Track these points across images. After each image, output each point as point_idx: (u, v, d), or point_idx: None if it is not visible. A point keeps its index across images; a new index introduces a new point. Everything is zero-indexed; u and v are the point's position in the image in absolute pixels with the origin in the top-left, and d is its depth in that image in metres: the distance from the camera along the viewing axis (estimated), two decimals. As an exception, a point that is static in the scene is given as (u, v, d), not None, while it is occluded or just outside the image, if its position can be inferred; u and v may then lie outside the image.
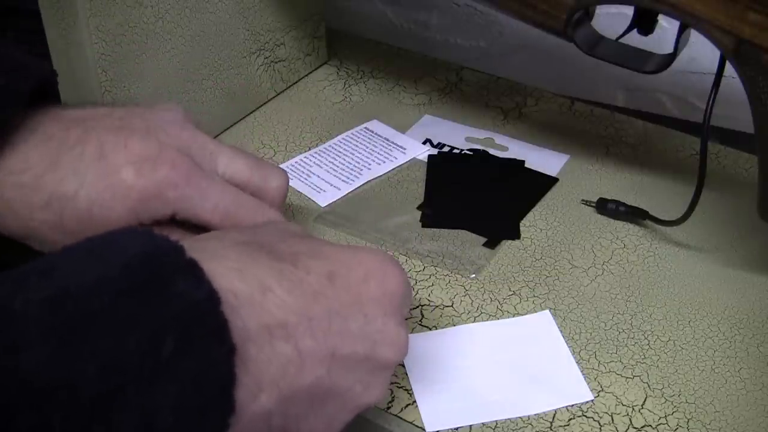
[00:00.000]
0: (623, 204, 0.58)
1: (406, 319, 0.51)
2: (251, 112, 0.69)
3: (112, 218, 0.44)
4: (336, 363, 0.37)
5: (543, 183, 0.62)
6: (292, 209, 0.60)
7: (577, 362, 0.49)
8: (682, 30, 0.51)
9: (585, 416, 0.46)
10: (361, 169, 0.63)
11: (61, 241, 0.44)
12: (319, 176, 0.62)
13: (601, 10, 0.54)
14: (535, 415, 0.46)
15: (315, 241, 0.40)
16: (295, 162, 0.64)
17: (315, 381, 0.36)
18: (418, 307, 0.52)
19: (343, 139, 0.66)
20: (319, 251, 0.39)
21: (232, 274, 0.35)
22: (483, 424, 0.46)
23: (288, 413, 0.36)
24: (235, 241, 0.37)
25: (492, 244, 0.57)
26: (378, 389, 0.39)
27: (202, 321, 0.32)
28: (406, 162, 0.64)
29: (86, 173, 0.44)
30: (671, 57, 0.52)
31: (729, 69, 0.49)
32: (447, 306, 0.52)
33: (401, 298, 0.40)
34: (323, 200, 0.60)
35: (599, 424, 0.46)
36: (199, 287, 0.32)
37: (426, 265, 0.55)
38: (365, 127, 0.68)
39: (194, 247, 0.35)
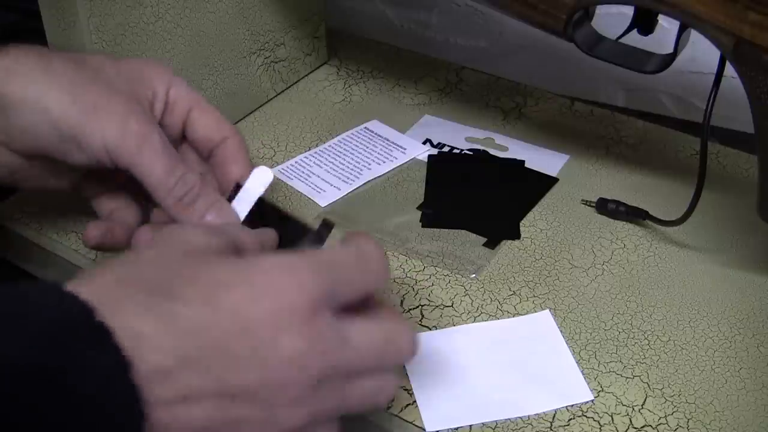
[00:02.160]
0: (623, 204, 0.58)
1: (407, 320, 0.51)
2: (251, 112, 0.69)
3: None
4: (227, 396, 0.34)
5: (543, 183, 0.62)
6: (292, 209, 0.60)
7: (577, 362, 0.49)
8: (682, 30, 0.51)
9: (585, 416, 0.46)
10: (361, 169, 0.63)
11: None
12: (319, 176, 0.62)
13: (601, 10, 0.54)
14: (535, 415, 0.46)
15: (202, 261, 0.36)
16: (295, 162, 0.64)
17: (207, 419, 0.34)
18: (418, 307, 0.52)
19: (343, 139, 0.66)
20: (202, 275, 0.35)
21: (107, 320, 0.33)
22: (483, 424, 0.46)
23: None
24: (115, 279, 0.34)
25: (492, 244, 0.57)
26: (300, 410, 0.35)
27: (110, 390, 0.31)
28: (406, 162, 0.64)
29: None
30: (671, 57, 0.52)
31: (729, 69, 0.49)
32: (447, 306, 0.52)
33: (306, 308, 0.35)
34: (323, 200, 0.60)
35: (599, 424, 0.46)
36: (107, 355, 0.31)
37: (426, 265, 0.55)
38: (365, 127, 0.68)
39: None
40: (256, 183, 0.48)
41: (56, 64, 0.45)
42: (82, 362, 0.31)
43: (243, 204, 0.47)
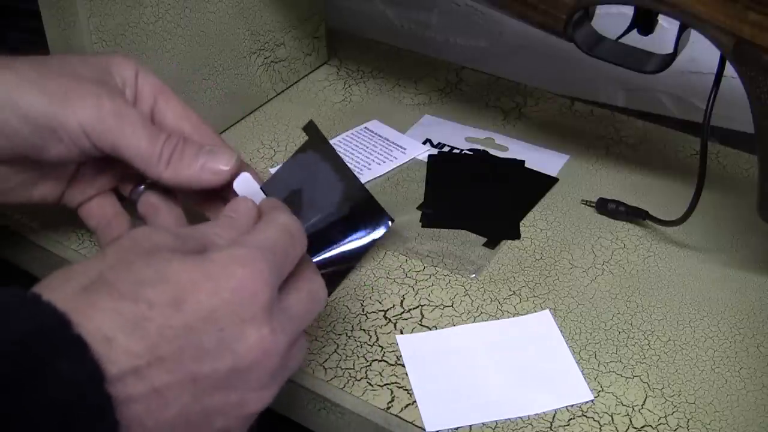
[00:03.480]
0: (623, 204, 0.58)
1: (406, 320, 0.51)
2: (251, 112, 0.69)
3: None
4: (199, 385, 0.35)
5: (543, 183, 0.62)
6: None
7: (577, 362, 0.49)
8: (682, 30, 0.51)
9: (585, 416, 0.46)
10: (361, 169, 0.63)
11: None
12: (319, 176, 0.62)
13: (601, 10, 0.54)
14: (535, 415, 0.46)
15: (162, 259, 0.36)
16: (295, 162, 0.64)
17: (181, 409, 0.35)
18: (418, 307, 0.52)
19: (343, 139, 0.66)
20: (163, 275, 0.35)
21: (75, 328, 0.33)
22: (483, 424, 0.46)
23: None
24: (81, 286, 0.35)
25: (492, 244, 0.57)
26: (265, 393, 0.38)
27: (84, 402, 0.31)
28: (406, 162, 0.64)
29: None
30: (671, 57, 0.52)
31: (729, 69, 0.49)
32: (447, 306, 0.52)
33: (264, 297, 0.37)
34: (323, 200, 0.60)
35: (599, 424, 0.46)
36: (82, 366, 0.32)
37: (426, 265, 0.55)
38: (365, 127, 0.68)
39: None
40: (249, 187, 0.48)
41: (20, 63, 0.44)
42: (57, 375, 0.31)
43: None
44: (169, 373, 0.34)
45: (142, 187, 0.50)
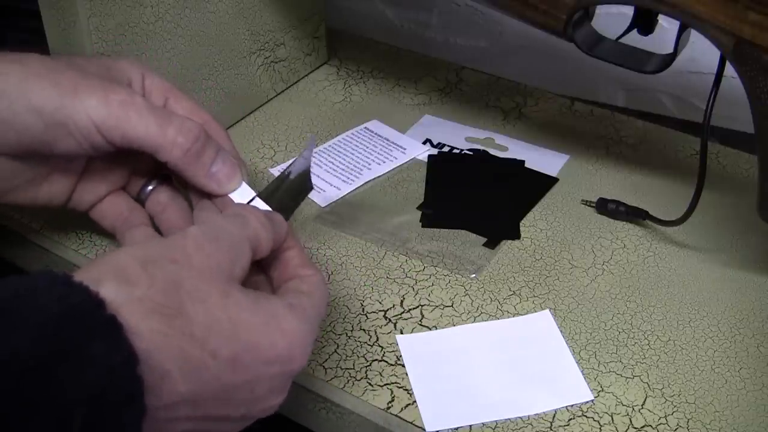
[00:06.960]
0: (623, 204, 0.58)
1: (406, 320, 0.51)
2: (251, 112, 0.69)
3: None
4: (209, 421, 0.38)
5: (543, 183, 0.62)
6: (292, 209, 0.60)
7: (577, 362, 0.49)
8: (682, 30, 0.51)
9: (585, 416, 0.46)
10: (361, 169, 0.63)
11: None
12: (319, 176, 0.62)
13: (601, 10, 0.54)
14: (535, 415, 0.46)
15: (237, 307, 0.38)
16: (295, 162, 0.64)
17: (182, 430, 0.37)
18: (418, 307, 0.52)
19: (343, 139, 0.66)
20: (235, 328, 0.37)
21: (140, 356, 0.33)
22: (483, 424, 0.46)
23: None
24: (151, 304, 0.35)
25: (492, 244, 0.57)
26: (244, 426, 0.41)
27: (116, 386, 0.32)
28: (406, 162, 0.64)
29: None
30: (671, 57, 0.52)
31: (729, 69, 0.49)
32: (447, 306, 0.52)
33: (297, 373, 0.40)
34: (323, 200, 0.60)
35: (599, 424, 0.46)
36: (117, 349, 0.32)
37: (426, 265, 0.55)
38: (365, 127, 0.68)
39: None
40: (246, 196, 0.48)
41: (29, 58, 0.45)
42: (90, 357, 0.31)
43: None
44: (193, 410, 0.36)
45: (150, 188, 0.50)
